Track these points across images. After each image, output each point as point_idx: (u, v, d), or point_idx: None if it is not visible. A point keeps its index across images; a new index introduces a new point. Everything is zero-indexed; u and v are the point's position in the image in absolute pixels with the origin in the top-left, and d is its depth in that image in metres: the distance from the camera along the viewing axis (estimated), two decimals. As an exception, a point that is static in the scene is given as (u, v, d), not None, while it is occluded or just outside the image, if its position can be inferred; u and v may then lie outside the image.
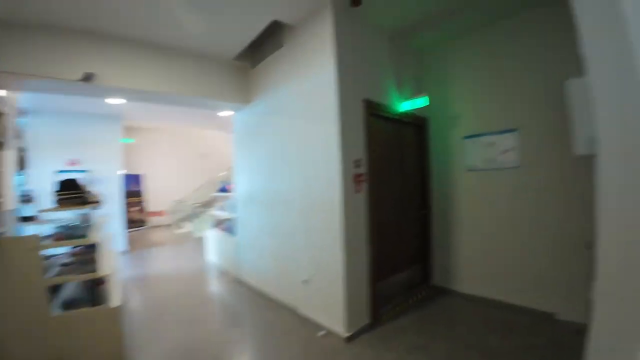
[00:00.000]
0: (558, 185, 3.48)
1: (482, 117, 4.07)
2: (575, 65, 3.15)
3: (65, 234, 2.90)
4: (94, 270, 2.81)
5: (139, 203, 11.78)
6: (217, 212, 6.37)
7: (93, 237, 2.86)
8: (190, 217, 10.52)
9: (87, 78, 3.50)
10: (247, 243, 4.93)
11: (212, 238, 6.26)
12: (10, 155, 4.02)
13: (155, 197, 12.27)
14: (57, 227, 3.02)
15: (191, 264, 6.28)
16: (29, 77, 3.23)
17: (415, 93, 4.19)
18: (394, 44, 4.03)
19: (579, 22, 1.14)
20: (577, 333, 3.04)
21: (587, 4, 1.11)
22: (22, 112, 6.65)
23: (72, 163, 7.27)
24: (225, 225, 5.81)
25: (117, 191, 7.67)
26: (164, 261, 6.70)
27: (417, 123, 4.34)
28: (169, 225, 11.72)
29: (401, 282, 4.06)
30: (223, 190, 6.44)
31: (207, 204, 11.55)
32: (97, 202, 3.52)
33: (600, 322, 1.49)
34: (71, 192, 3.19)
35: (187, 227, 10.56)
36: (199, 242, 8.58)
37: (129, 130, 10.51)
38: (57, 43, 3.37)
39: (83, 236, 2.89)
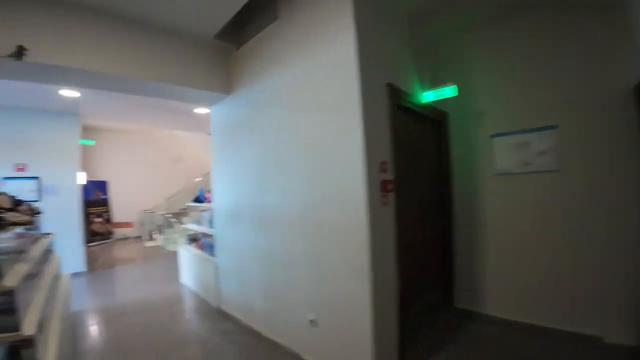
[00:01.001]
0: (603, 193, 2.89)
1: (513, 113, 3.44)
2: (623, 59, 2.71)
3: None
4: (12, 328, 1.90)
5: (103, 213, 10.55)
6: (192, 226, 5.45)
7: (9, 279, 1.95)
8: (161, 228, 9.45)
9: (19, 53, 2.60)
10: (229, 268, 4.06)
11: (187, 257, 5.33)
12: None
13: (122, 206, 11.06)
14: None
15: (163, 289, 5.31)
16: None
17: (437, 83, 3.49)
18: (412, 26, 3.32)
19: None
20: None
21: None
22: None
23: (20, 168, 6.13)
24: (203, 243, 4.91)
25: (75, 200, 6.55)
26: (131, 285, 5.69)
27: (436, 118, 3.66)
28: (137, 238, 10.55)
29: (424, 308, 3.33)
30: (199, 199, 5.52)
31: (181, 215, 10.51)
32: (26, 222, 2.59)
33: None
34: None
35: (158, 240, 9.48)
36: (173, 258, 7.57)
37: (90, 131, 9.37)
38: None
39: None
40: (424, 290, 3.37)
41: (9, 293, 1.96)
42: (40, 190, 6.23)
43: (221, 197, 4.20)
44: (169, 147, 12.07)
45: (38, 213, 3.21)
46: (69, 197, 6.48)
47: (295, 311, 2.97)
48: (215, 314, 4.16)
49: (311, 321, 2.77)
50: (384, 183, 2.48)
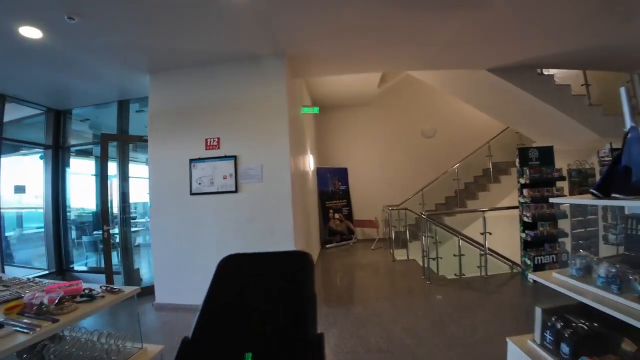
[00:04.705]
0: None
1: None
2: None
3: None
4: None
5: (343, 208, 8.34)
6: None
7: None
8: (419, 231, 6.09)
9: None
10: None
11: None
12: None
13: (362, 199, 8.60)
14: None
15: None
16: None
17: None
18: None
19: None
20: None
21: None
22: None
23: (212, 145, 4.07)
24: None
25: (286, 190, 3.95)
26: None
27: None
28: (381, 241, 7.69)
29: None
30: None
31: (440, 215, 6.82)
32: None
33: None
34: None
35: (411, 250, 6.19)
36: (436, 296, 3.98)
37: (321, 110, 7.14)
38: None
39: None
40: None
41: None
42: (237, 175, 3.95)
43: None
44: (416, 115, 8.69)
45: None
46: (278, 186, 3.93)
47: None
48: None
49: None
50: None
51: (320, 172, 7.98)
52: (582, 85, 5.82)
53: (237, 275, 1.43)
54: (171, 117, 4.21)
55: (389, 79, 7.91)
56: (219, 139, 4.02)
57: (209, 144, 4.04)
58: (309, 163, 6.47)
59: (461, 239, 4.93)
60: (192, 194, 4.03)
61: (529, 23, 3.64)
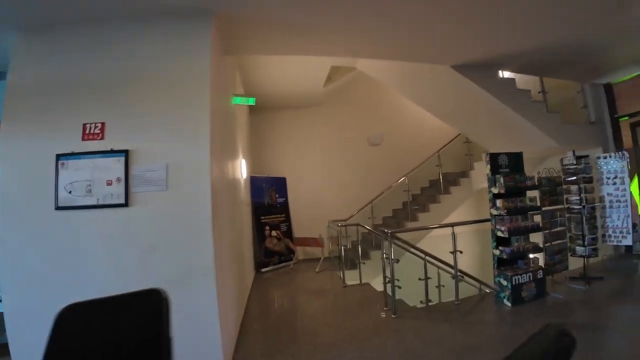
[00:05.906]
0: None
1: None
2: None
3: None
4: None
5: (281, 224, 7.20)
6: None
7: None
8: (370, 249, 5.20)
9: None
10: None
11: None
12: None
13: (303, 214, 7.58)
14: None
15: None
16: None
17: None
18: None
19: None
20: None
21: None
22: None
23: (92, 135, 2.73)
24: None
25: (205, 201, 2.72)
26: None
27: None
28: (327, 261, 6.68)
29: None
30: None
31: (397, 230, 6.04)
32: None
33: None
34: None
35: (363, 273, 5.27)
36: (406, 330, 3.04)
37: (258, 111, 6.01)
38: None
39: None
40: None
41: None
42: (128, 180, 2.66)
43: None
44: (362, 121, 7.97)
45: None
46: (193, 197, 2.71)
47: None
48: None
49: None
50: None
51: (254, 182, 6.79)
52: (539, 92, 5.56)
53: (79, 328, 1.14)
54: (40, 94, 2.77)
55: (336, 78, 7.11)
56: (103, 124, 2.70)
57: (88, 131, 2.69)
58: (241, 169, 5.29)
59: (427, 260, 4.13)
60: (58, 208, 2.63)
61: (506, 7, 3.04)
